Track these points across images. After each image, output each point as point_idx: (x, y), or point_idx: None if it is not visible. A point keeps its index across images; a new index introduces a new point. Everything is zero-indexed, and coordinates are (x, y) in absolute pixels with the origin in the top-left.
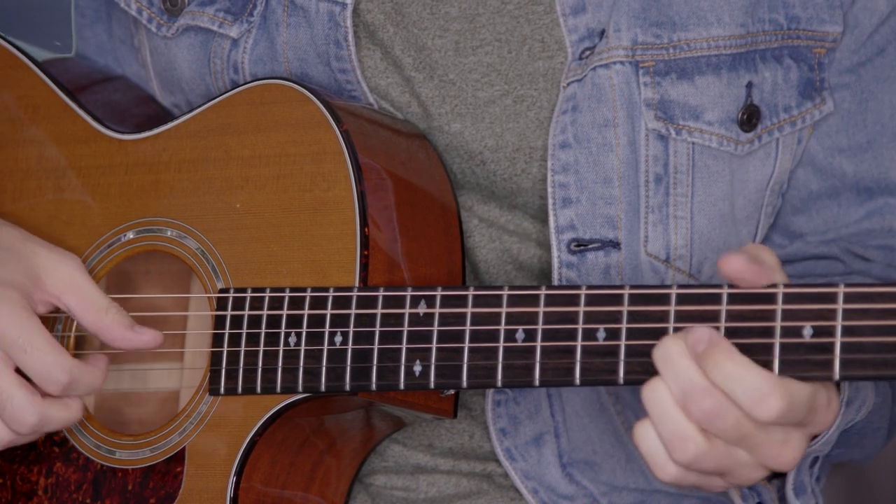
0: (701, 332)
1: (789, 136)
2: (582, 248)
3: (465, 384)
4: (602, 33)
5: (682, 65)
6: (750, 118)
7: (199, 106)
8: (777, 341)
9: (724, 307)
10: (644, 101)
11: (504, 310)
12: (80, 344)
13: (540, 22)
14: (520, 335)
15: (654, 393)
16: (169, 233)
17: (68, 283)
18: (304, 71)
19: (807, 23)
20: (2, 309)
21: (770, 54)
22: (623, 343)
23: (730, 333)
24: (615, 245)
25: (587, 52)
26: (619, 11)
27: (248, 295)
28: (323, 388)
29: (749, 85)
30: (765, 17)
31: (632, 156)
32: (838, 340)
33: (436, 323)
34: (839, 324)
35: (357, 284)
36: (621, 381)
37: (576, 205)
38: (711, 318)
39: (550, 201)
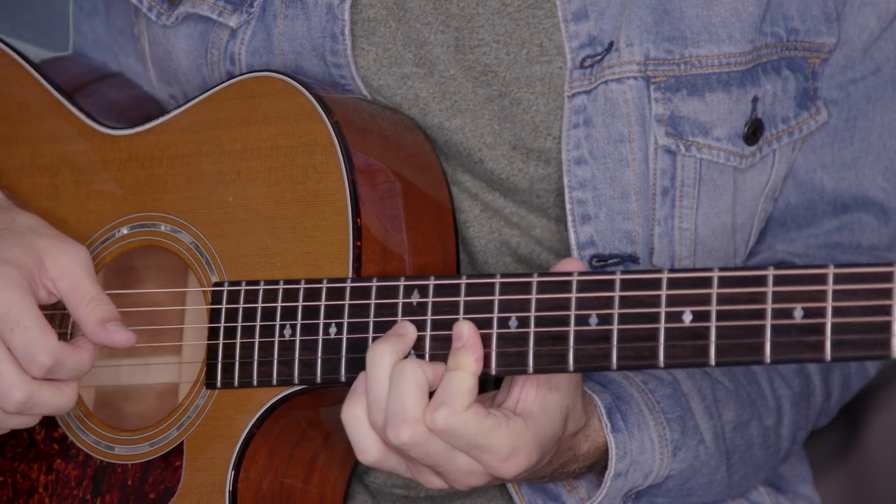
0: (461, 328)
1: (786, 145)
2: (602, 263)
3: None
4: (610, 45)
5: (692, 81)
6: (754, 132)
7: (190, 100)
8: (768, 323)
9: (714, 290)
10: (655, 116)
11: (497, 297)
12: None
13: (540, 26)
14: (513, 322)
15: (379, 365)
16: (163, 227)
17: (64, 269)
18: (298, 64)
19: (805, 34)
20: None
21: (770, 66)
22: (615, 328)
23: (721, 316)
24: (634, 259)
25: (588, 61)
26: (631, 24)
27: (243, 288)
28: (319, 379)
29: (755, 99)
30: (768, 31)
31: (645, 170)
32: (829, 321)
33: (429, 312)
34: (829, 305)
35: (350, 275)
36: (614, 366)
37: (595, 221)
38: (702, 301)
39: (570, 218)
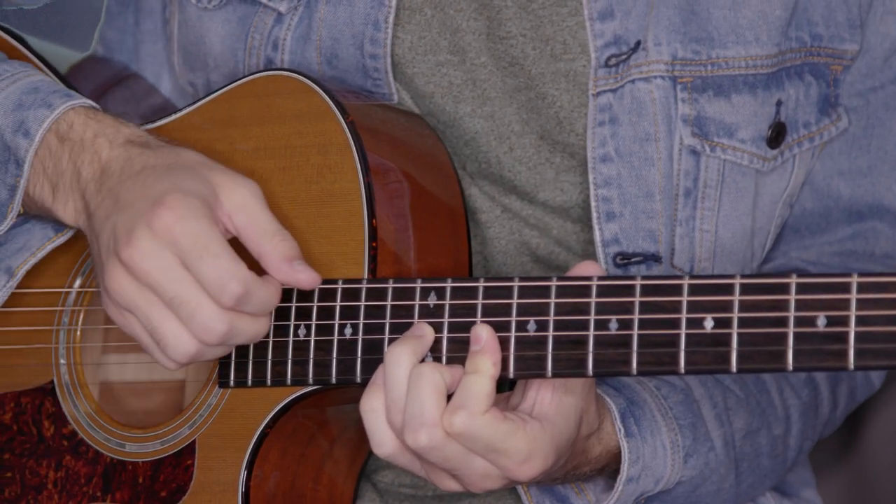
0: (479, 331)
1: (807, 151)
2: (626, 261)
3: None
4: (637, 44)
5: (718, 82)
6: (777, 135)
7: (202, 98)
8: (791, 331)
9: (736, 297)
10: (681, 116)
11: (515, 301)
12: (85, 337)
13: (564, 24)
14: (531, 326)
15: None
16: None
17: (241, 204)
18: (333, 51)
19: (828, 41)
20: (185, 215)
21: (794, 71)
22: (636, 333)
23: (743, 324)
24: (657, 259)
25: (613, 59)
26: (659, 24)
27: None
28: (334, 379)
29: (778, 103)
30: (793, 36)
31: (670, 170)
32: (852, 330)
33: (446, 314)
34: (853, 314)
35: (366, 276)
36: (634, 371)
37: (619, 219)
38: (724, 308)
39: (595, 215)
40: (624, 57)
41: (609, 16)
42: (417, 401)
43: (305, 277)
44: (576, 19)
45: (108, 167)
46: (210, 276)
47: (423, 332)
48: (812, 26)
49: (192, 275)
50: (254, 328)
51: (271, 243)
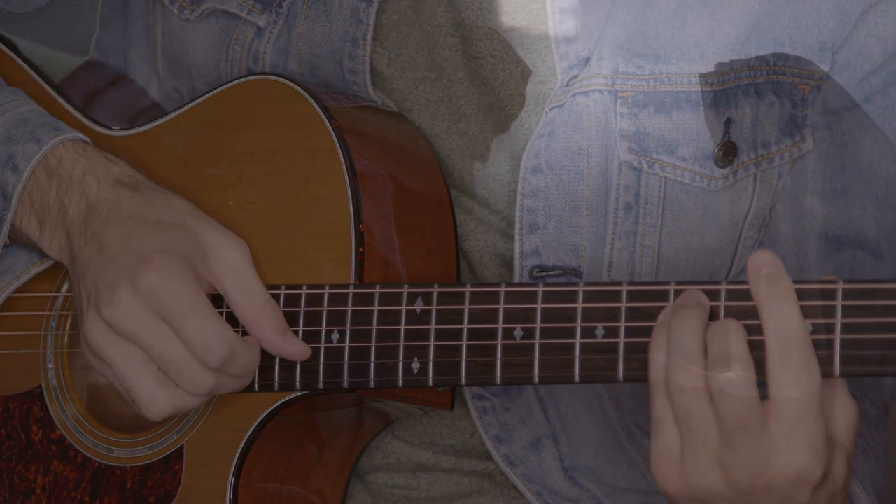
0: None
1: (767, 171)
2: (544, 273)
3: (464, 381)
4: (586, 61)
5: (660, 98)
6: (726, 154)
7: (191, 101)
8: None
9: (722, 303)
10: (619, 131)
11: (501, 307)
12: (73, 342)
13: (533, 47)
14: (518, 333)
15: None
16: None
17: (232, 268)
18: (314, 65)
19: (795, 61)
20: (167, 276)
21: (753, 89)
22: (622, 340)
23: None
24: (577, 273)
25: (573, 80)
26: (604, 41)
27: None
28: (321, 385)
29: (728, 121)
30: (752, 54)
31: (602, 185)
32: (838, 337)
33: (433, 320)
34: (839, 321)
35: (353, 281)
36: (621, 378)
37: (542, 231)
38: (711, 314)
39: (518, 226)
40: (576, 73)
41: (573, 39)
42: (728, 344)
43: (297, 350)
44: (544, 43)
45: (95, 208)
46: (196, 337)
47: (704, 300)
48: (777, 45)
49: (177, 335)
50: (238, 383)
51: (263, 314)
